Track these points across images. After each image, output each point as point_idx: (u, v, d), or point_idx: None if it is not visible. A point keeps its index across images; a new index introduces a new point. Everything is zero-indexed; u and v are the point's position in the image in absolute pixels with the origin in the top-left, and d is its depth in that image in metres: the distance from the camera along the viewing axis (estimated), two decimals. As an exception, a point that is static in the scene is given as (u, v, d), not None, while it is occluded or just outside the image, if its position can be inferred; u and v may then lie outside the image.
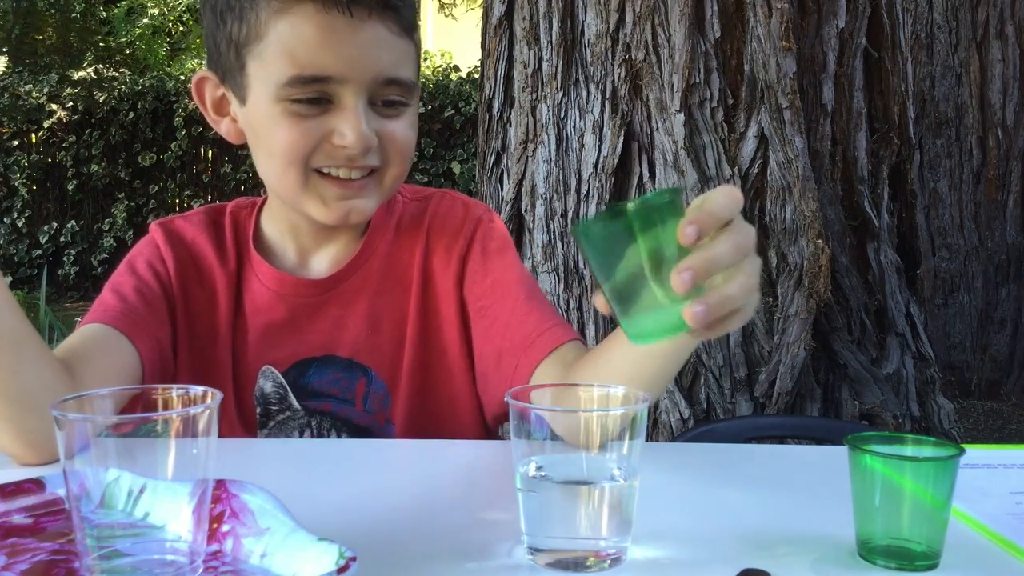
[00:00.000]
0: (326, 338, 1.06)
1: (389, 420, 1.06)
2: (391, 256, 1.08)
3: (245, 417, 1.05)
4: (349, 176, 0.95)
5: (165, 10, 11.81)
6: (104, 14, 11.80)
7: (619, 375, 0.78)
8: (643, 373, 0.79)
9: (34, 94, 7.95)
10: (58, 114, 8.06)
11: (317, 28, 0.90)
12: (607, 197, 2.55)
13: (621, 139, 2.53)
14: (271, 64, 0.92)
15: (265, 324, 1.06)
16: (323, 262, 1.07)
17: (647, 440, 0.64)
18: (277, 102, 0.92)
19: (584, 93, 2.62)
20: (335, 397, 1.05)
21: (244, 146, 1.01)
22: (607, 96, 2.56)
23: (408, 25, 0.95)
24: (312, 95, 0.92)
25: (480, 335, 1.03)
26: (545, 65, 2.69)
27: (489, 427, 1.08)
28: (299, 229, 1.06)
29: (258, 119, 0.96)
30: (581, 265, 2.62)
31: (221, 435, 0.99)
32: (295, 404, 1.05)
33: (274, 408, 1.05)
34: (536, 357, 0.95)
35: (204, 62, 1.03)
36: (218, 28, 0.96)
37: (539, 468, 0.63)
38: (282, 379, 1.05)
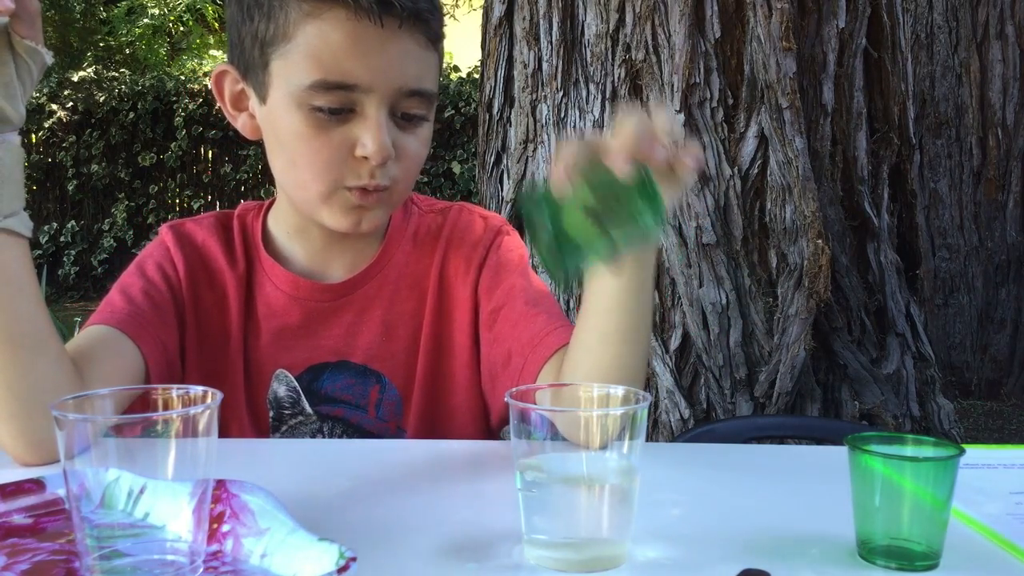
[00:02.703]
0: (340, 343, 1.06)
1: (401, 428, 1.06)
2: (408, 265, 1.08)
3: (258, 421, 1.05)
4: (365, 186, 0.95)
5: (165, 10, 11.80)
6: (104, 14, 11.80)
7: (597, 335, 0.85)
8: (617, 326, 0.85)
9: (34, 94, 7.94)
10: (58, 114, 8.07)
11: (346, 35, 0.89)
12: (607, 197, 2.55)
13: (621, 139, 2.53)
14: (296, 66, 0.91)
15: (279, 327, 1.06)
16: (337, 267, 1.07)
17: (647, 440, 0.64)
18: (299, 107, 0.92)
19: (584, 93, 2.62)
20: (348, 403, 1.05)
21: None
22: (607, 96, 2.56)
23: (435, 36, 0.95)
24: (334, 104, 0.91)
25: (490, 340, 1.04)
26: (545, 65, 2.69)
27: (493, 431, 1.08)
28: (308, 233, 1.06)
29: (278, 121, 0.95)
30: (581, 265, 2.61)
31: (233, 438, 1.00)
32: (308, 409, 1.05)
33: (287, 412, 1.05)
34: (542, 356, 0.95)
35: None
36: (244, 23, 0.95)
37: (539, 468, 0.63)
38: (296, 383, 1.05)
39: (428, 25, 0.93)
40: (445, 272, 1.08)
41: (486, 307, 1.05)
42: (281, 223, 1.08)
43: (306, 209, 1.00)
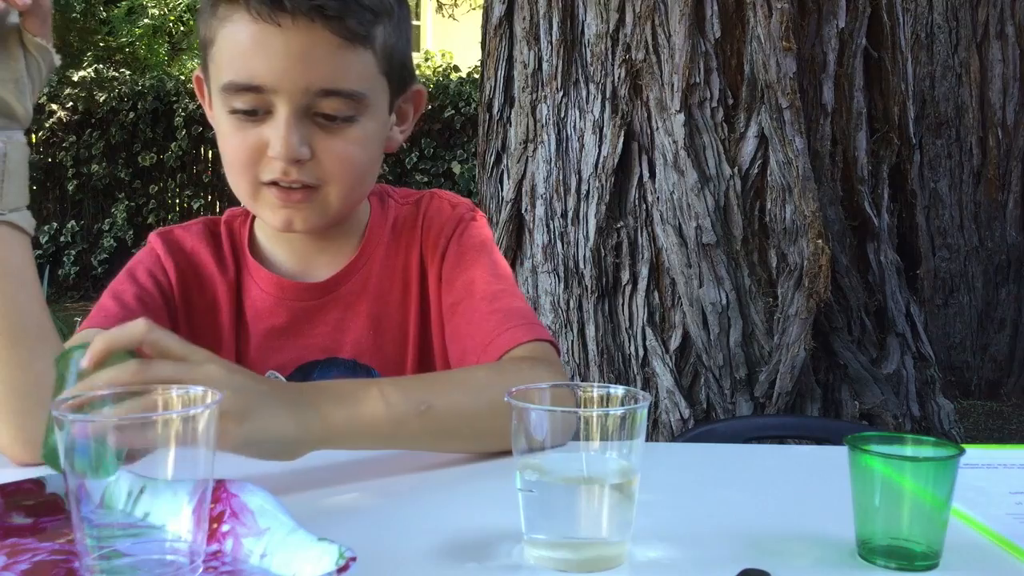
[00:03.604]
0: (328, 341, 1.06)
1: None
2: (389, 258, 1.09)
3: None
4: (289, 186, 0.96)
5: (165, 10, 11.80)
6: (104, 14, 11.79)
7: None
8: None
9: (34, 94, 7.94)
10: (58, 114, 8.06)
11: (248, 37, 0.91)
12: (607, 197, 2.55)
13: (621, 139, 2.53)
14: (217, 69, 0.95)
15: (266, 329, 1.06)
16: (321, 266, 1.08)
17: (647, 440, 0.64)
18: (223, 107, 0.95)
19: (584, 93, 2.62)
20: None
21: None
22: (607, 96, 2.56)
23: (356, 35, 0.92)
24: (247, 105, 0.93)
25: (450, 334, 1.04)
26: (545, 65, 2.69)
27: None
28: (288, 234, 1.07)
29: (216, 122, 0.99)
30: (581, 265, 2.62)
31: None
32: None
33: None
34: (492, 359, 0.96)
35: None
36: (200, 27, 0.99)
37: (539, 468, 0.63)
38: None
39: (342, 22, 0.91)
40: (423, 263, 1.09)
41: (446, 299, 1.05)
42: (264, 226, 1.09)
43: (248, 208, 1.03)
